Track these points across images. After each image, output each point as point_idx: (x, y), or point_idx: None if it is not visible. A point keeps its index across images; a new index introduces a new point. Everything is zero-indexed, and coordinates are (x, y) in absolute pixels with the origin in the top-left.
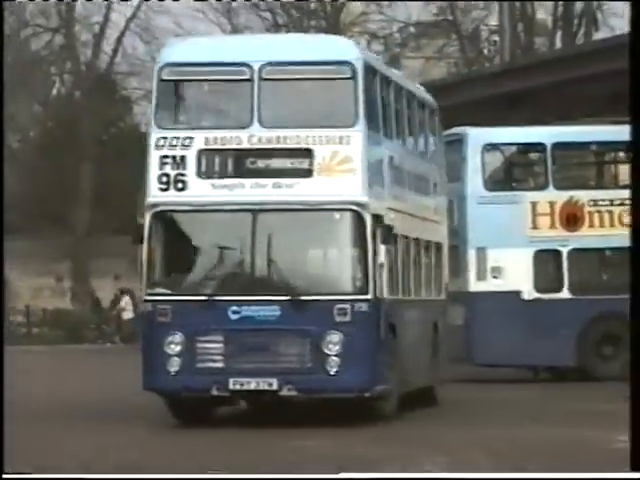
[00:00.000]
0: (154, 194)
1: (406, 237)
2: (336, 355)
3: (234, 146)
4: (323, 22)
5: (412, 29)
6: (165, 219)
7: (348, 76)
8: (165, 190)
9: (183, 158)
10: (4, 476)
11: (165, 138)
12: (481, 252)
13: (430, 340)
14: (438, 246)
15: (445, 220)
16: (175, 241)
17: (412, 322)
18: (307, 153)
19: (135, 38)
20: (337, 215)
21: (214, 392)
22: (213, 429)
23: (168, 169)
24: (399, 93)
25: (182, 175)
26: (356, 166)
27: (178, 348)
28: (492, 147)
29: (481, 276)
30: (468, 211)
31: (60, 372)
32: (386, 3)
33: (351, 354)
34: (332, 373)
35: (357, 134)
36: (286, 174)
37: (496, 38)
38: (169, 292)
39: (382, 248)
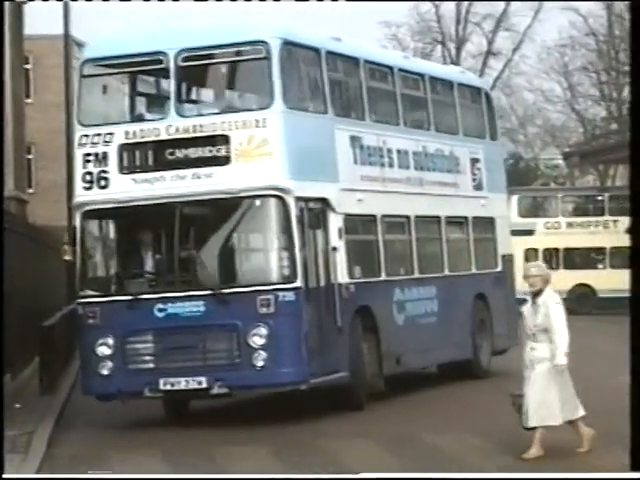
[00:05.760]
0: (79, 193)
1: (393, 216)
2: (262, 349)
3: (153, 138)
4: None
5: None
6: (90, 219)
7: (263, 56)
8: (89, 189)
9: (105, 155)
10: (4, 476)
11: (87, 136)
12: None
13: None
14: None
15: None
16: (102, 241)
17: (412, 301)
18: (224, 139)
19: (499, 92)
20: (257, 202)
21: (147, 394)
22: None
23: (91, 167)
24: (355, 67)
25: (104, 172)
26: (274, 149)
27: (109, 350)
28: None
29: None
30: None
31: None
32: None
33: (278, 347)
34: (259, 367)
35: (273, 115)
36: (205, 163)
37: None
38: (98, 293)
39: (335, 231)
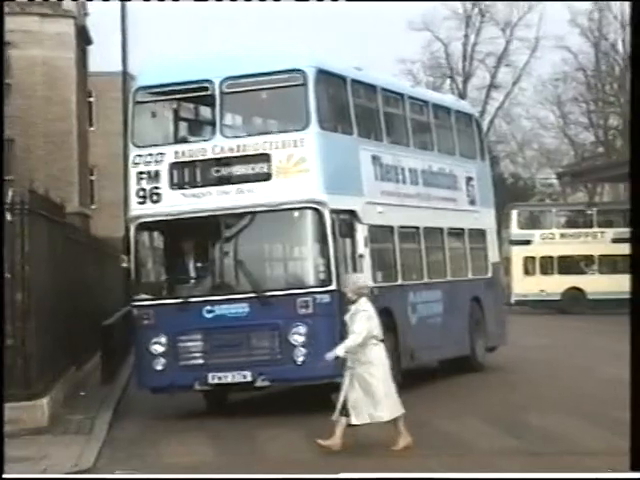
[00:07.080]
0: (133, 207)
1: (407, 227)
2: (302, 345)
3: (200, 157)
4: None
5: None
6: (144, 230)
7: (300, 83)
8: (142, 203)
9: (157, 172)
10: (4, 476)
11: (141, 155)
12: None
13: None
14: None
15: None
16: (154, 249)
17: (422, 303)
18: (265, 158)
19: (501, 120)
20: (296, 214)
21: (197, 387)
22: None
23: (144, 184)
24: (374, 94)
25: (156, 188)
26: (310, 166)
27: (162, 348)
28: None
29: None
30: None
31: None
32: None
33: (316, 343)
34: (299, 362)
35: (310, 136)
36: (248, 179)
37: None
38: (151, 297)
39: (362, 240)
